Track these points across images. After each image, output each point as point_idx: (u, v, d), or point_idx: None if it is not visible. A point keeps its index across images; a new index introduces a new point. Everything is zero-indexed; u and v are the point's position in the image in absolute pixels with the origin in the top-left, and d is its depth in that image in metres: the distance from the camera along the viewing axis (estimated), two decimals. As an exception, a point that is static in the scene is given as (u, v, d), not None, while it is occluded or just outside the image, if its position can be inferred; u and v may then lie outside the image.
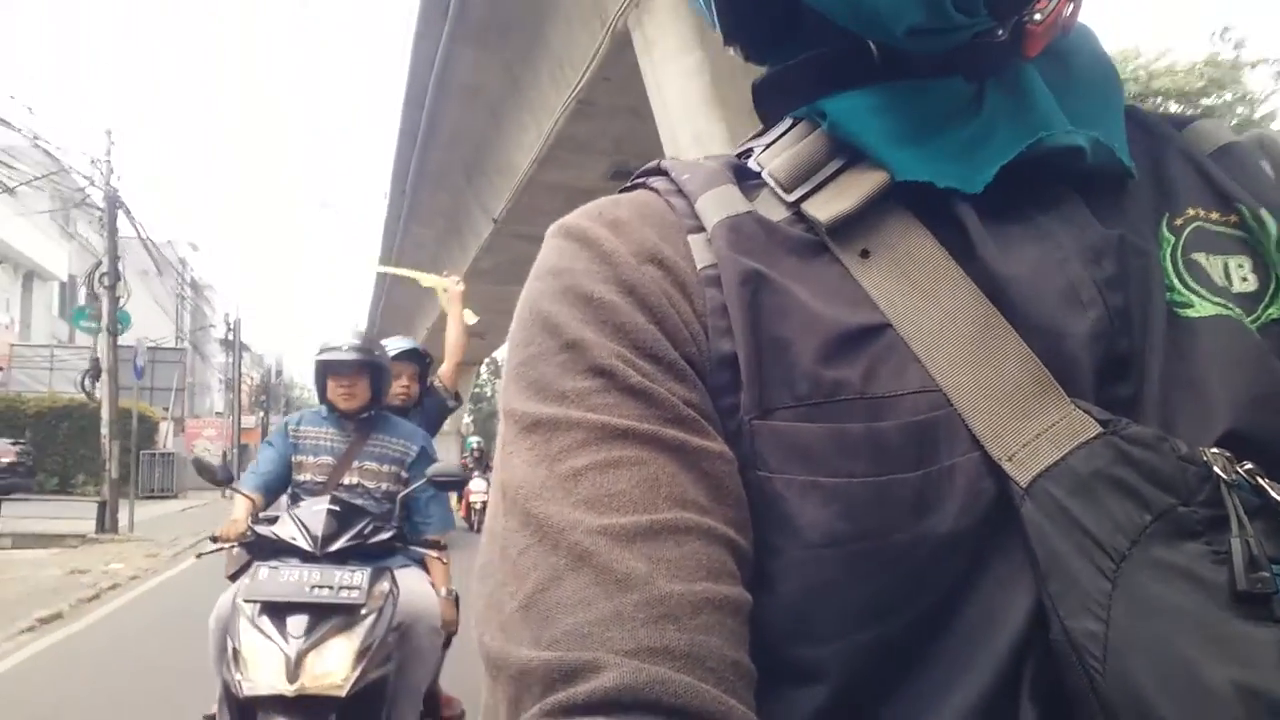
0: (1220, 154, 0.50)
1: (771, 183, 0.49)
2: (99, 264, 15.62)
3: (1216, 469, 0.37)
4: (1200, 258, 0.46)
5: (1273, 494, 0.37)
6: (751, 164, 0.52)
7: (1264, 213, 0.46)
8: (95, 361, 16.45)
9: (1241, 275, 0.46)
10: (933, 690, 0.40)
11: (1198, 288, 0.45)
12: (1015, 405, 0.40)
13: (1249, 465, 0.38)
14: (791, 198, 0.47)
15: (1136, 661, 0.35)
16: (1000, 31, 0.45)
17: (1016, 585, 0.39)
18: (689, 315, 0.45)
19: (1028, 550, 0.38)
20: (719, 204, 0.48)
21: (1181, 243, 0.46)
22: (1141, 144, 0.50)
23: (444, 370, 3.86)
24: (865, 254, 0.45)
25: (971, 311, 0.42)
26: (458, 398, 3.93)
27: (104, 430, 14.59)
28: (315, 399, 3.22)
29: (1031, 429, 0.40)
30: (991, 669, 0.39)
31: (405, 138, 13.07)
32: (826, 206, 0.46)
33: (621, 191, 0.53)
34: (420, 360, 3.69)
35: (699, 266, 0.46)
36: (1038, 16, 0.45)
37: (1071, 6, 0.47)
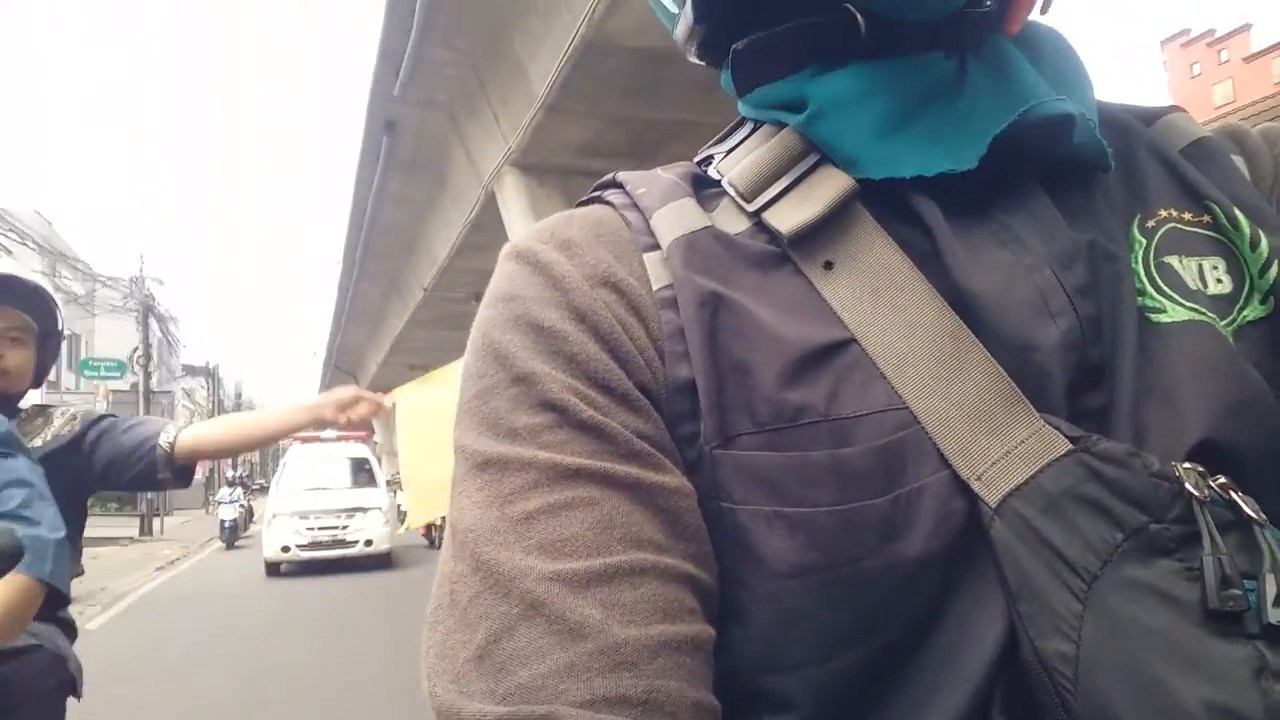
0: (1192, 149, 0.49)
1: (731, 192, 0.47)
2: (136, 349, 20.10)
3: (1189, 485, 0.36)
4: (1173, 260, 0.44)
5: (1245, 509, 0.36)
6: (711, 172, 0.50)
7: (1237, 211, 0.45)
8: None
9: (1216, 277, 0.44)
10: (905, 715, 0.39)
11: (1170, 292, 0.44)
12: (983, 422, 0.39)
13: (1221, 479, 0.37)
14: (752, 207, 0.46)
15: (1108, 682, 0.35)
16: (988, 2, 0.45)
17: (988, 606, 0.38)
18: (644, 341, 0.43)
19: (998, 571, 0.38)
20: (675, 220, 0.46)
21: (1154, 245, 0.45)
22: (1111, 141, 0.47)
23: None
24: (829, 265, 0.44)
25: (938, 326, 0.41)
26: (182, 477, 2.06)
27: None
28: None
29: (1000, 447, 0.39)
30: (964, 691, 0.38)
31: (353, 227, 17.20)
32: (788, 216, 0.44)
33: (578, 205, 0.52)
34: (49, 312, 1.93)
35: (655, 288, 0.45)
36: None
37: None
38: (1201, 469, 0.38)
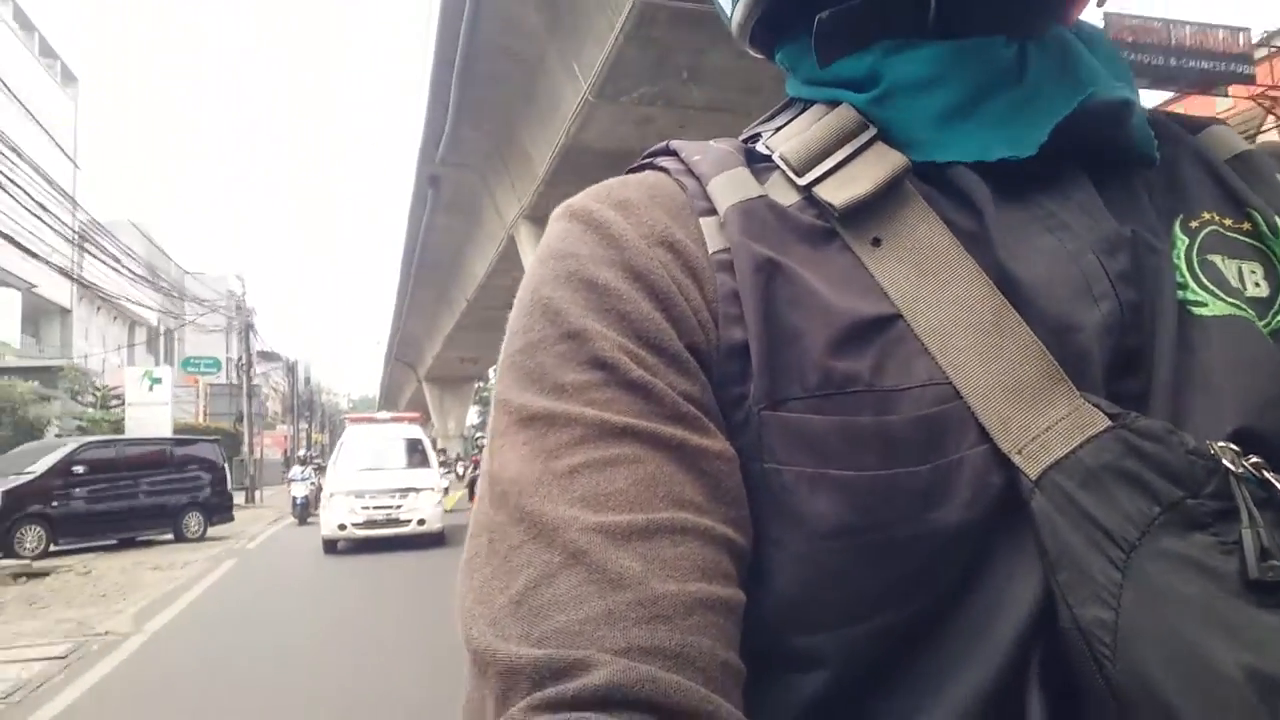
0: (1235, 161, 0.50)
1: (783, 165, 0.47)
2: (241, 358, 23.66)
3: (1225, 462, 0.37)
4: (1216, 259, 0.45)
5: (1279, 486, 0.37)
6: (759, 147, 0.50)
7: (1278, 220, 0.47)
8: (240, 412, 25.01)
9: (1255, 280, 0.45)
10: (933, 680, 0.40)
11: (1212, 287, 0.44)
12: (1024, 398, 0.40)
13: (1255, 459, 0.38)
14: (804, 181, 0.46)
15: (1147, 648, 0.35)
16: None
17: (1021, 577, 0.39)
18: (698, 302, 0.44)
19: (1037, 542, 0.38)
20: (732, 187, 0.46)
21: (1197, 243, 0.46)
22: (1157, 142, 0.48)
23: None
24: (877, 242, 0.44)
25: (982, 303, 0.42)
26: None
27: (244, 447, 22.63)
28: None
29: (1041, 422, 0.39)
30: (994, 661, 0.38)
31: (408, 249, 20.65)
32: (839, 191, 0.45)
33: (629, 172, 0.52)
34: None
35: (711, 251, 0.45)
36: None
37: None
38: (1236, 448, 0.38)
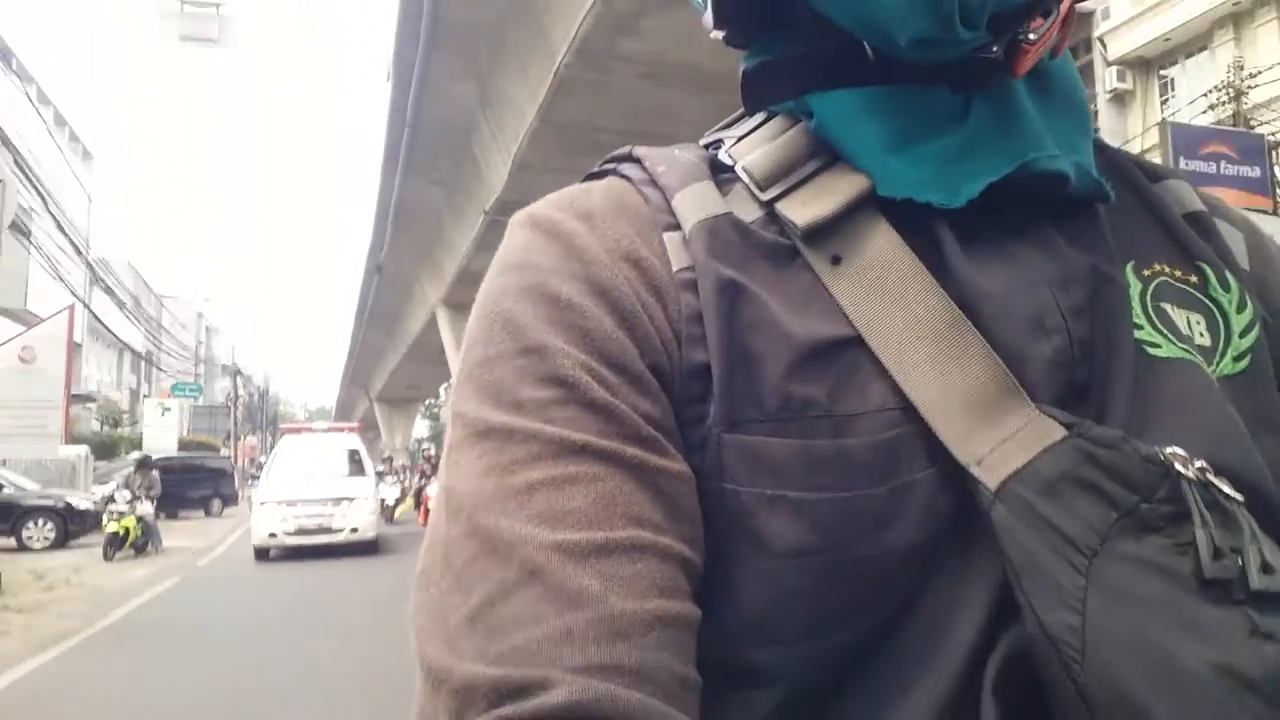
0: (1189, 219, 0.52)
1: (746, 179, 0.48)
2: (229, 394, 29.13)
3: (1177, 466, 0.39)
4: (1167, 306, 0.47)
5: (1224, 488, 0.39)
6: (723, 156, 0.50)
7: (1228, 274, 0.49)
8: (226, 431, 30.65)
9: (1200, 331, 0.47)
10: (889, 691, 0.40)
11: (1165, 331, 0.46)
12: (981, 410, 0.41)
13: (1201, 464, 0.39)
14: (766, 196, 0.47)
15: (1115, 651, 0.36)
16: (995, 48, 0.45)
17: (970, 591, 0.40)
18: (662, 321, 0.44)
19: (999, 551, 0.39)
20: (697, 203, 0.46)
21: (1150, 290, 0.47)
22: (1113, 183, 0.49)
23: None
24: (836, 260, 0.45)
25: (939, 316, 0.43)
26: None
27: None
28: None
29: (998, 434, 0.40)
30: (950, 670, 0.39)
31: (359, 310, 26.37)
32: (803, 209, 0.45)
33: (589, 178, 0.52)
34: None
35: (675, 269, 0.45)
36: (1032, 36, 0.45)
37: (1062, 29, 0.48)
38: (1184, 454, 0.39)
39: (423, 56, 10.58)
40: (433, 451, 19.52)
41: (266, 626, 7.66)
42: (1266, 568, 0.38)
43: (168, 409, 24.39)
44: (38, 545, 13.64)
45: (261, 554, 12.76)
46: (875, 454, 0.41)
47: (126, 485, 13.44)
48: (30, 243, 16.12)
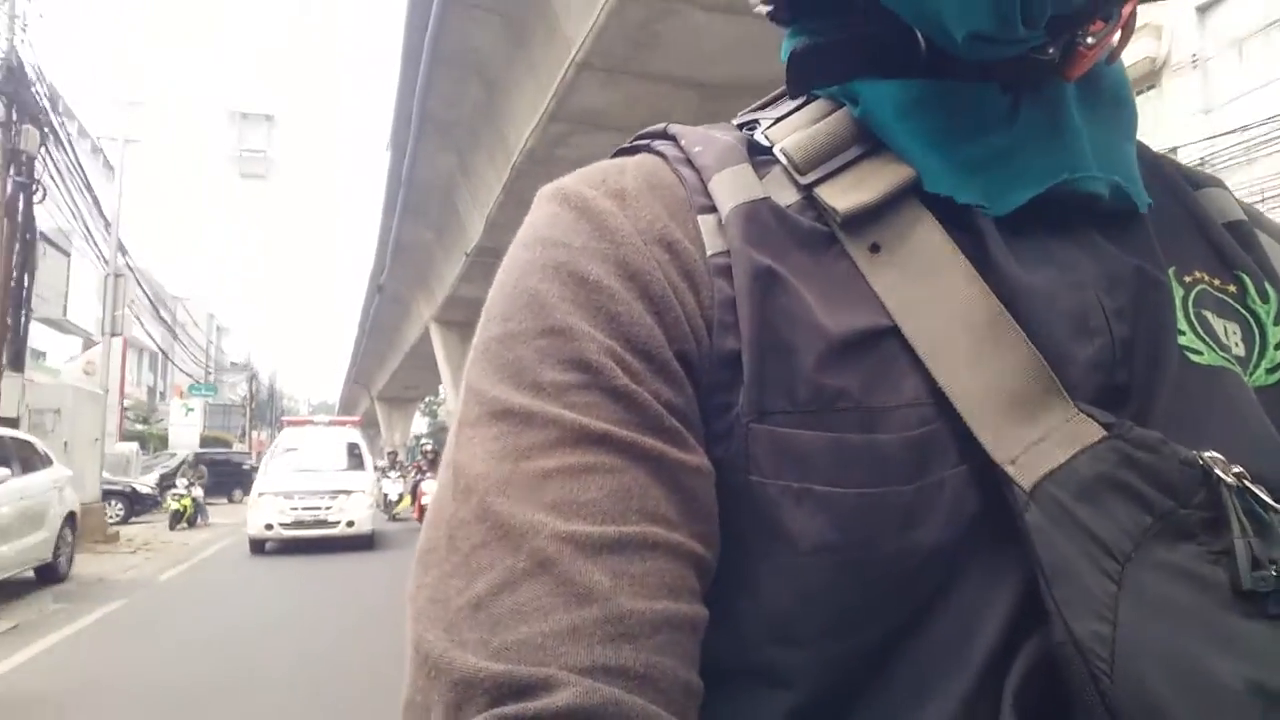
0: (1228, 228, 0.51)
1: (784, 161, 0.46)
2: (245, 396, 31.87)
3: (1217, 471, 0.38)
4: (1208, 314, 0.46)
5: (1263, 497, 0.38)
6: (759, 137, 0.49)
7: (1267, 285, 0.48)
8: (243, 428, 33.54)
9: (1235, 341, 0.46)
10: (908, 696, 0.39)
11: (1206, 338, 0.45)
12: (1018, 407, 0.40)
13: (1238, 469, 0.38)
14: (805, 180, 0.45)
15: (1145, 662, 0.35)
16: (1051, 50, 0.44)
17: (996, 594, 0.39)
18: (693, 307, 0.43)
19: (1030, 554, 0.38)
20: (734, 186, 0.45)
21: (1191, 297, 0.46)
22: (1154, 190, 0.49)
23: None
24: (875, 248, 0.44)
25: (979, 308, 0.41)
26: None
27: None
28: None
29: (1035, 432, 0.39)
30: (970, 676, 0.38)
31: (361, 322, 29.05)
32: (844, 195, 0.44)
33: (621, 153, 0.50)
34: None
35: (709, 253, 0.44)
36: (1090, 40, 0.44)
37: (1119, 35, 0.47)
38: (1223, 459, 0.38)
39: (414, 136, 13.32)
40: (430, 448, 18.96)
41: (296, 561, 12.07)
42: None
43: (191, 409, 27.36)
44: (111, 520, 16.25)
45: (257, 546, 12.76)
46: (906, 450, 0.40)
47: (183, 475, 17.36)
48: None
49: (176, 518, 16.53)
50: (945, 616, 0.40)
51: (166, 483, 19.71)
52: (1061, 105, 0.46)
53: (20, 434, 10.01)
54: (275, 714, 4.97)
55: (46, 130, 12.37)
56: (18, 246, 11.86)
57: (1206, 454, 0.39)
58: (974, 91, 0.45)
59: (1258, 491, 0.38)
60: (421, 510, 15.51)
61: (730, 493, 0.41)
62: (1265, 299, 0.48)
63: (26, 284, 12.32)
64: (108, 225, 17.33)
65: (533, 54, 9.69)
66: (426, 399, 49.86)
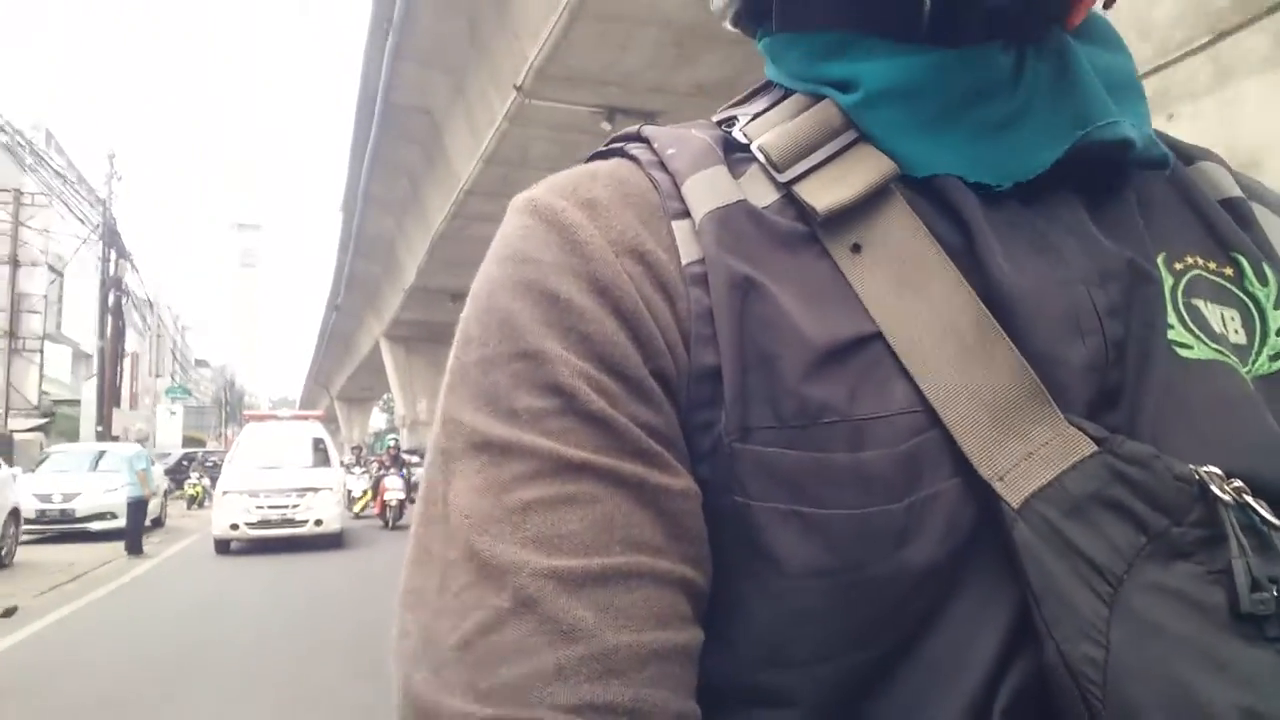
0: (1224, 205, 0.49)
1: (762, 159, 0.45)
2: (217, 396, 35.45)
3: (1213, 488, 0.36)
4: (1199, 303, 0.44)
5: (1262, 512, 0.36)
6: (737, 134, 0.47)
7: (1266, 267, 0.45)
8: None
9: (1234, 328, 0.44)
10: (903, 716, 0.39)
11: (1196, 330, 0.43)
12: (1006, 420, 0.38)
13: (1237, 483, 0.37)
14: (784, 178, 0.44)
15: (1138, 687, 0.34)
16: None
17: (991, 611, 0.38)
18: (668, 321, 0.41)
19: (1019, 573, 0.37)
20: (709, 190, 0.43)
21: (1181, 285, 0.44)
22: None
23: None
24: (856, 248, 0.42)
25: (964, 315, 0.40)
26: None
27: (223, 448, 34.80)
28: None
29: (1024, 447, 0.38)
30: (964, 695, 0.37)
31: (321, 333, 33.08)
32: (822, 193, 0.42)
33: (595, 157, 0.49)
34: None
35: (684, 262, 0.42)
36: None
37: None
38: (1220, 473, 0.37)
39: (361, 203, 17.46)
40: (394, 443, 18.33)
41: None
42: None
43: (174, 412, 31.18)
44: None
45: (222, 547, 12.30)
46: (896, 466, 0.39)
47: (195, 469, 21.82)
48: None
49: (193, 501, 20.58)
50: (944, 633, 0.39)
51: (175, 476, 23.07)
52: (1068, 55, 0.44)
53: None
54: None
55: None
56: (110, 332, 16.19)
57: (1204, 469, 0.37)
58: (973, 61, 0.43)
59: (1257, 506, 0.37)
60: (383, 506, 15.57)
61: (717, 515, 0.40)
62: (1264, 282, 0.45)
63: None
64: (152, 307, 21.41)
65: (438, 174, 13.89)
66: (385, 397, 53.75)
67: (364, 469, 20.42)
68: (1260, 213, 0.50)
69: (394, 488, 15.43)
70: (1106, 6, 0.47)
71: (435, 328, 25.56)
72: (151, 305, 28.06)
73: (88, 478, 14.29)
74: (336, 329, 32.22)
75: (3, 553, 10.97)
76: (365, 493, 17.79)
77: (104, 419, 22.88)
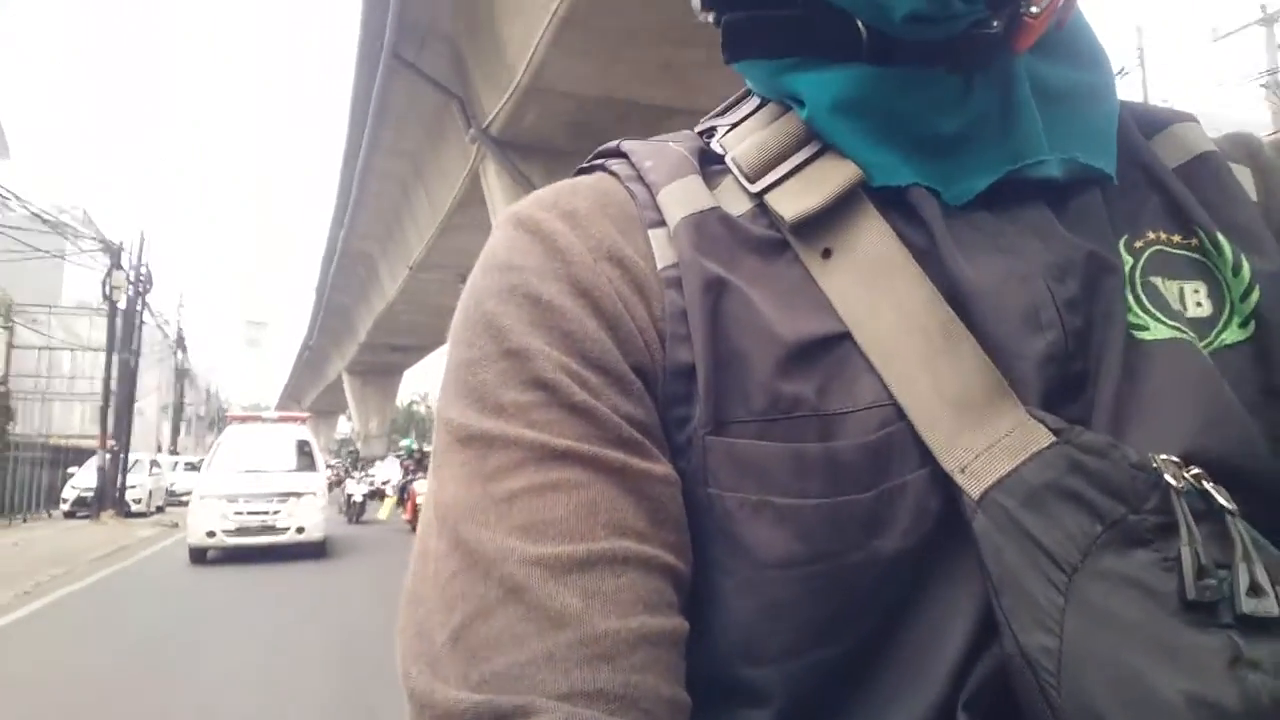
0: (1194, 165, 0.48)
1: (735, 170, 0.47)
2: (217, 411, 42.75)
3: (1167, 476, 0.37)
4: (1157, 281, 0.44)
5: (1218, 498, 0.36)
6: (715, 145, 0.50)
7: (1220, 236, 0.45)
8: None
9: (1196, 300, 0.44)
10: (877, 709, 0.39)
11: (1154, 310, 0.43)
12: (968, 414, 0.39)
13: (1195, 470, 0.37)
14: (755, 188, 0.45)
15: (1091, 676, 0.35)
16: (995, 23, 0.43)
17: (961, 603, 0.38)
18: (645, 320, 0.43)
19: (980, 564, 0.37)
20: (683, 198, 0.45)
21: (1139, 265, 0.45)
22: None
23: None
24: (827, 253, 0.43)
25: (929, 314, 0.41)
26: None
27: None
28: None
29: (985, 440, 0.38)
30: (936, 687, 0.38)
31: (298, 360, 41.14)
32: (792, 201, 0.44)
33: (579, 173, 0.51)
34: None
35: (659, 266, 0.44)
36: (1034, 9, 0.43)
37: (1066, 2, 0.45)
38: (1177, 460, 0.38)
39: (330, 291, 25.53)
40: (417, 447, 18.74)
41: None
42: (1256, 589, 0.35)
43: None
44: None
45: (198, 555, 11.61)
46: (865, 456, 0.40)
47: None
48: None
49: None
50: (913, 625, 0.40)
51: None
52: (1013, 82, 0.45)
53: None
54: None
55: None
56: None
57: (1160, 456, 0.38)
58: (920, 78, 0.44)
59: (1214, 492, 0.37)
60: (414, 510, 15.16)
61: (692, 508, 0.41)
62: (1220, 251, 0.45)
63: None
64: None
65: (393, 262, 20.36)
66: (346, 411, 61.23)
67: (364, 473, 20.38)
68: (1239, 171, 0.49)
69: (423, 491, 18.93)
70: (1059, 27, 0.47)
71: (382, 365, 33.74)
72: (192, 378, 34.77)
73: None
74: (309, 361, 40.35)
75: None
76: (366, 497, 18.21)
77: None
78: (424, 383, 53.78)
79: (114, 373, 20.35)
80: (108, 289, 20.26)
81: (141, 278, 22.18)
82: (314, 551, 11.90)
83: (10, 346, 20.74)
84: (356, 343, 29.14)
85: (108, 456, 19.18)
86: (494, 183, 11.10)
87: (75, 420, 26.53)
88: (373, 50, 10.72)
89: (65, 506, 20.50)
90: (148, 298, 23.56)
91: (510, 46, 9.25)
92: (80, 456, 22.60)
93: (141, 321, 23.34)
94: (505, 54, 9.41)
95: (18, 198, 17.11)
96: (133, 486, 21.06)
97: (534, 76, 9.00)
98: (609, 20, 7.96)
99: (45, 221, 18.61)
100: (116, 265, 20.53)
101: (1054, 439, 0.38)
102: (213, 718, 4.66)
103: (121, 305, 20.69)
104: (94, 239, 21.39)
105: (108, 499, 19.33)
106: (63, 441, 24.34)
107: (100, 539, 14.81)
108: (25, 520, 19.13)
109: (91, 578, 10.62)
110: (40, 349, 25.03)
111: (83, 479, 20.40)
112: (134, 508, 20.72)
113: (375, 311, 24.85)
